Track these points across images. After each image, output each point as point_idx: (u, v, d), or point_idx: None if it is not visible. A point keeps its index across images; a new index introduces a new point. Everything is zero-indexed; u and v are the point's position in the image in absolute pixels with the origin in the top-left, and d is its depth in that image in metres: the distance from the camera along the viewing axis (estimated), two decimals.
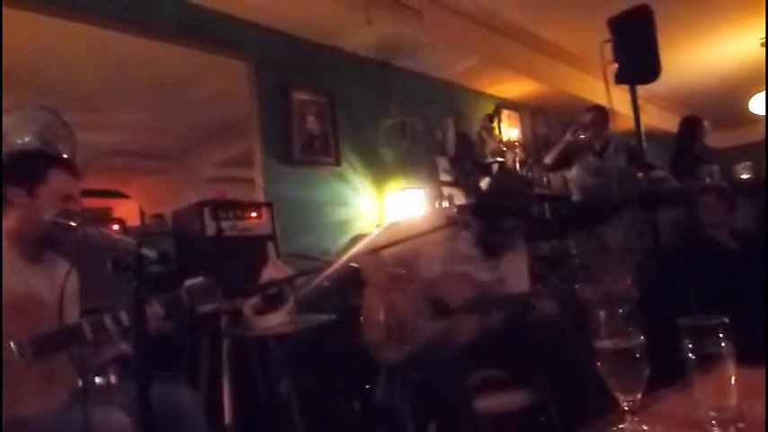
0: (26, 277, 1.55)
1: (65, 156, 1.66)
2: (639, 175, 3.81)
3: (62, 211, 1.51)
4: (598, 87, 4.89)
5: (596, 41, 3.83)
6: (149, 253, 1.13)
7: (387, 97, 4.31)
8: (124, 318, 1.51)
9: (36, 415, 1.38)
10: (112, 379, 1.75)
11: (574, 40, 5.03)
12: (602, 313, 0.94)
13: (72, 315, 1.62)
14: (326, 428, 2.34)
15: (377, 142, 4.23)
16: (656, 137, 5.71)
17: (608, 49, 3.61)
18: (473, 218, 2.40)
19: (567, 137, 4.29)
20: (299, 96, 3.76)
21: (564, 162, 4.34)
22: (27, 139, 2.03)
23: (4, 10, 2.53)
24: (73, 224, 1.45)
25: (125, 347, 1.67)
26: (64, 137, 2.15)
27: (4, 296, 1.43)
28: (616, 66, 3.59)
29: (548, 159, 4.45)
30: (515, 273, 2.36)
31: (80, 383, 1.46)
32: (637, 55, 3.45)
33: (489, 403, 2.01)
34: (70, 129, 2.21)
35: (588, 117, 4.22)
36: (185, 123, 4.04)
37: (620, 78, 3.63)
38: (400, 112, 4.32)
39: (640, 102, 3.81)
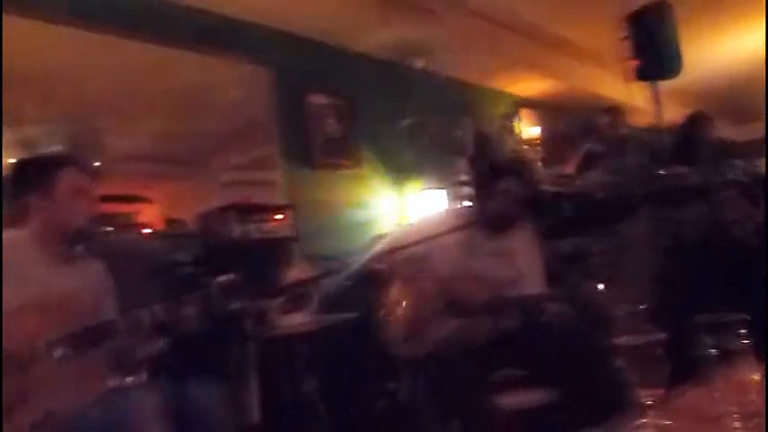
0: (58, 277, 1.62)
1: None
2: (660, 171, 3.78)
3: (95, 216, 1.57)
4: (618, 84, 4.88)
5: (615, 38, 3.82)
6: (184, 256, 1.18)
7: (405, 98, 4.34)
8: (159, 313, 1.55)
9: (69, 410, 1.44)
10: (144, 377, 1.81)
11: (592, 38, 5.00)
12: (621, 310, 0.96)
13: (109, 312, 1.67)
14: (352, 426, 2.38)
15: (396, 144, 4.26)
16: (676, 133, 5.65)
17: (627, 45, 3.61)
18: (475, 192, 2.41)
19: (586, 147, 4.29)
20: (318, 100, 3.81)
21: (586, 166, 4.32)
22: (57, 149, 2.10)
23: (30, 23, 2.63)
24: (109, 229, 1.51)
25: (159, 345, 1.72)
26: (92, 144, 2.21)
27: (38, 296, 1.50)
28: (636, 62, 3.58)
29: (570, 168, 4.45)
30: (530, 267, 2.36)
31: (114, 380, 1.51)
32: (656, 51, 3.44)
33: (510, 400, 2.03)
34: (99, 136, 2.28)
35: (605, 119, 4.20)
36: (206, 129, 4.12)
37: (640, 75, 3.62)
38: (418, 113, 4.34)
39: (660, 98, 3.79)
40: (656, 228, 3.68)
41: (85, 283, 1.67)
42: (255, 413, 2.01)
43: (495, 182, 2.28)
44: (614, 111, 4.24)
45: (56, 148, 2.10)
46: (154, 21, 3.10)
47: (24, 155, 2.12)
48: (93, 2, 2.88)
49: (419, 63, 4.49)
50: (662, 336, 0.94)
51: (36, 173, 1.69)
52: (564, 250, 3.39)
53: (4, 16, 2.51)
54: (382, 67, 4.30)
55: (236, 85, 3.58)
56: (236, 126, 4.08)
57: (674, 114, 6.25)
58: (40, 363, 1.43)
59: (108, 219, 1.63)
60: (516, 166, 2.36)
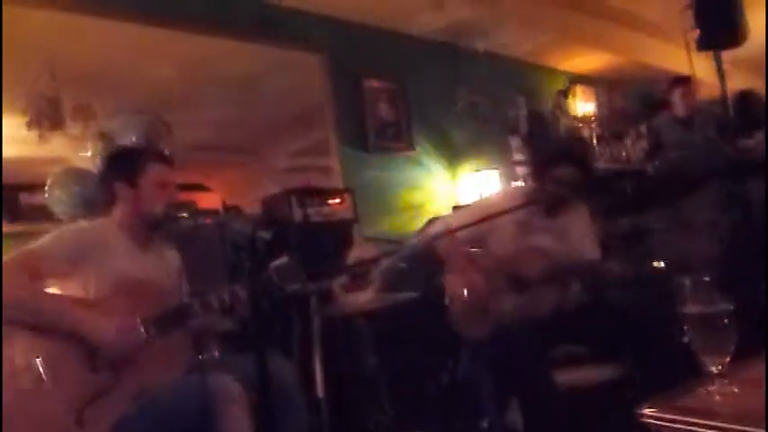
0: (139, 263, 1.74)
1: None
2: (727, 145, 3.65)
3: (172, 203, 1.68)
4: (678, 56, 4.69)
5: (675, 8, 3.68)
6: (264, 234, 1.25)
7: (457, 79, 4.33)
8: (226, 297, 1.66)
9: (160, 384, 1.56)
10: (216, 353, 1.93)
11: (650, 8, 4.83)
12: (688, 281, 0.97)
13: (182, 296, 1.79)
14: (412, 403, 2.45)
15: (449, 125, 4.26)
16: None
17: (687, 15, 3.47)
18: (532, 177, 2.42)
19: (654, 121, 4.17)
20: (371, 84, 3.85)
21: (657, 144, 4.19)
22: (134, 140, 2.24)
23: (95, 20, 2.78)
24: (184, 215, 1.61)
25: (228, 324, 1.83)
26: (164, 135, 2.34)
27: (120, 279, 1.62)
28: (697, 32, 3.45)
29: (629, 145, 4.34)
30: (583, 241, 2.36)
31: (197, 356, 1.62)
32: (719, 19, 3.30)
33: (571, 378, 2.05)
34: (169, 127, 2.41)
35: (677, 91, 4.03)
36: (262, 117, 4.24)
37: (702, 45, 3.48)
38: (471, 93, 4.33)
39: (726, 67, 3.63)
40: (721, 203, 3.56)
41: (161, 268, 1.79)
42: (320, 388, 2.11)
43: (551, 168, 2.29)
44: (686, 82, 4.05)
45: (131, 140, 2.24)
46: (211, 13, 3.20)
47: (103, 147, 2.27)
48: None
49: (471, 44, 4.46)
50: (729, 306, 0.94)
51: (124, 163, 1.81)
52: (623, 228, 3.34)
53: (70, 15, 2.67)
54: (434, 49, 4.30)
55: (291, 72, 3.67)
56: (291, 113, 4.18)
57: (738, 86, 5.98)
58: (132, 342, 1.55)
59: (189, 205, 1.74)
60: (572, 153, 2.34)
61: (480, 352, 2.27)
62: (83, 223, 1.80)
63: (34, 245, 1.62)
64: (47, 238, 1.64)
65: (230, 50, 3.38)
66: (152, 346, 1.58)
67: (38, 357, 1.47)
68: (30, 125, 2.86)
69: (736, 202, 3.35)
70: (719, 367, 0.95)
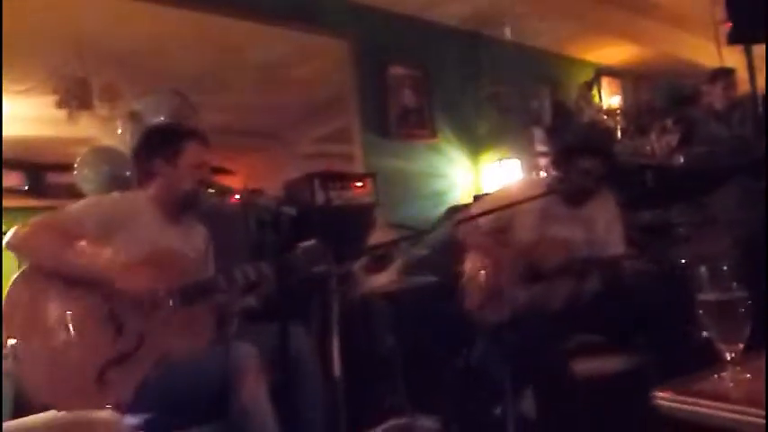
0: (168, 236, 1.81)
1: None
2: (756, 143, 3.59)
3: (202, 179, 1.73)
4: (707, 49, 4.62)
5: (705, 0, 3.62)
6: (288, 210, 1.29)
7: (481, 68, 4.31)
8: (251, 273, 1.71)
9: (181, 352, 1.61)
10: (236, 327, 1.98)
11: (680, 0, 4.74)
12: (703, 268, 0.98)
13: (208, 270, 1.85)
14: (426, 386, 2.48)
15: (472, 114, 4.26)
16: None
17: (719, 8, 3.42)
18: (553, 168, 2.41)
19: (687, 115, 4.10)
20: (396, 71, 3.86)
21: (689, 137, 4.13)
22: (162, 119, 2.29)
23: (124, 2, 2.83)
24: (212, 190, 1.66)
25: (251, 301, 1.88)
26: (191, 116, 2.39)
27: (149, 248, 1.68)
28: (729, 25, 3.39)
29: (654, 138, 4.28)
30: (609, 231, 2.36)
31: (219, 328, 1.67)
32: (752, 13, 3.23)
33: (587, 367, 2.06)
34: (195, 109, 2.46)
35: (717, 83, 3.94)
36: (286, 102, 4.27)
37: (733, 38, 3.42)
38: (495, 82, 4.31)
39: (756, 63, 3.56)
40: (746, 200, 3.52)
41: (190, 243, 1.84)
42: (337, 366, 2.15)
43: (574, 160, 2.29)
44: (728, 74, 3.97)
45: (159, 120, 2.29)
46: None
47: (133, 126, 2.33)
48: None
49: (496, 33, 4.43)
50: (745, 294, 0.95)
51: (165, 141, 1.87)
52: (645, 221, 3.32)
53: None
54: (459, 38, 4.29)
55: (316, 57, 3.69)
56: (316, 99, 4.21)
57: (762, 80, 5.85)
58: (158, 310, 1.62)
59: (217, 183, 1.79)
60: (595, 143, 2.34)
61: (495, 339, 2.29)
62: (116, 194, 1.86)
63: (69, 207, 1.69)
64: (81, 204, 1.72)
65: (257, 35, 3.42)
66: (176, 316, 1.64)
67: (69, 312, 1.54)
68: (59, 104, 2.93)
69: (759, 200, 3.30)
70: (733, 354, 0.96)
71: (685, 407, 0.90)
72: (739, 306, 0.95)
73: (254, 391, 1.55)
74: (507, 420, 2.28)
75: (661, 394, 0.93)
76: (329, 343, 2.19)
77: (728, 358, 0.96)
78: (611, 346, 2.10)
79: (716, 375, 0.96)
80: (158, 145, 1.86)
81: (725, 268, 0.98)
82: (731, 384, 0.93)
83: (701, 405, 0.88)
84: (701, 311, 0.97)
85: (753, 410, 0.83)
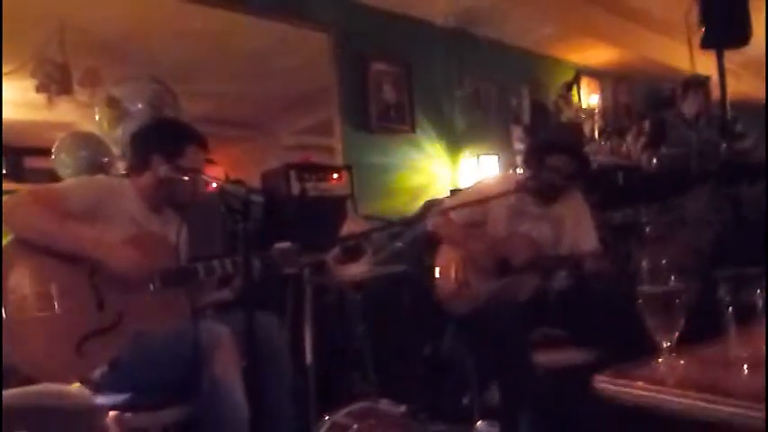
0: (150, 222, 1.85)
1: (198, 131, 1.91)
2: (723, 146, 3.69)
3: (175, 167, 1.76)
4: (685, 53, 4.72)
5: (681, 5, 3.70)
6: (257, 198, 1.33)
7: (462, 66, 4.37)
8: (228, 266, 1.76)
9: (154, 333, 1.66)
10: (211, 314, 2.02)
11: (658, 4, 4.84)
12: (644, 262, 1.04)
13: (183, 259, 1.89)
14: (396, 374, 2.54)
15: (452, 110, 4.32)
16: (749, 106, 5.42)
17: (693, 13, 3.51)
18: (525, 165, 2.47)
19: (660, 118, 4.20)
20: (377, 66, 3.90)
21: (660, 138, 4.23)
22: (140, 106, 2.31)
23: None
24: (185, 177, 1.70)
25: (225, 293, 1.93)
26: (170, 104, 2.41)
27: (133, 230, 1.73)
28: (702, 30, 3.48)
29: (630, 140, 4.38)
30: (577, 229, 2.43)
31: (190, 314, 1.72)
32: (724, 18, 3.32)
33: (550, 359, 2.13)
34: (175, 96, 2.48)
35: (689, 90, 4.06)
36: (268, 93, 4.29)
37: (706, 43, 3.51)
38: (475, 80, 4.37)
39: (734, 68, 3.66)
40: (715, 203, 3.62)
41: (169, 230, 1.88)
42: (308, 356, 2.20)
43: (546, 157, 2.34)
44: (702, 82, 4.08)
45: (138, 107, 2.31)
46: None
47: (110, 112, 2.34)
48: None
49: (478, 31, 4.49)
50: (681, 286, 1.02)
51: (167, 137, 1.89)
52: (615, 220, 3.40)
53: None
54: (441, 35, 4.33)
55: (299, 50, 3.71)
56: (298, 91, 4.24)
57: (748, 87, 5.99)
58: (139, 290, 1.67)
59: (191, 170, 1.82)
60: (566, 142, 2.41)
61: (463, 329, 2.36)
62: (103, 177, 1.89)
63: (57, 184, 1.72)
64: (68, 182, 1.75)
65: (240, 25, 3.43)
66: (154, 298, 1.69)
67: (52, 284, 1.57)
68: (38, 89, 2.92)
69: (729, 203, 3.41)
70: (668, 343, 1.02)
71: (622, 389, 0.96)
72: (675, 297, 1.01)
73: (226, 366, 1.60)
74: (474, 410, 2.35)
75: (600, 378, 0.99)
76: (302, 331, 2.24)
77: (664, 346, 1.03)
78: (574, 339, 2.17)
79: (650, 363, 1.03)
80: (159, 140, 1.88)
81: (663, 262, 1.04)
82: (664, 369, 1.00)
83: (636, 387, 0.95)
84: (640, 302, 1.03)
85: (682, 392, 0.89)
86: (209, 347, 1.58)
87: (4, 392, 0.92)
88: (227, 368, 1.60)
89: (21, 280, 1.57)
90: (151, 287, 1.69)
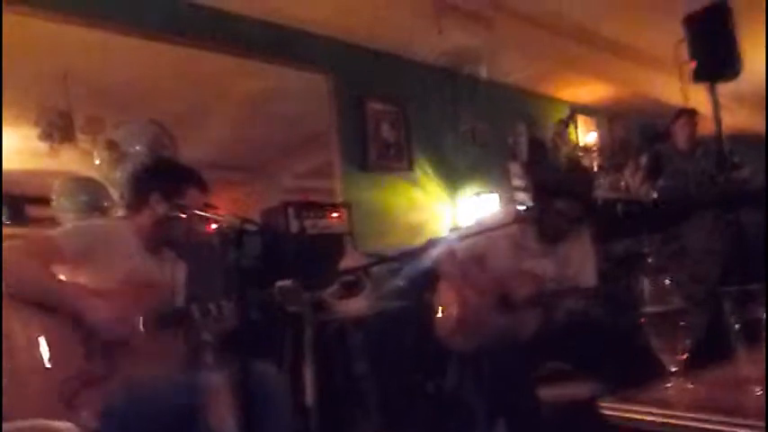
0: (146, 264, 1.82)
1: (198, 173, 1.91)
2: (720, 176, 3.71)
3: (173, 206, 1.76)
4: (676, 88, 4.79)
5: (671, 41, 3.78)
6: (251, 227, 1.32)
7: (459, 104, 4.43)
8: (225, 306, 1.73)
9: (150, 378, 1.61)
10: (210, 357, 1.98)
11: (648, 41, 4.94)
12: (646, 281, 1.02)
13: (181, 299, 1.86)
14: (399, 412, 2.48)
15: (449, 148, 4.35)
16: (746, 139, 5.46)
17: (684, 48, 3.57)
18: (533, 204, 2.45)
19: (655, 151, 4.26)
20: (374, 106, 3.96)
21: (656, 171, 4.27)
22: (138, 148, 2.33)
23: (108, 36, 2.90)
24: (183, 215, 1.69)
25: (223, 331, 1.89)
26: (168, 146, 2.43)
27: (127, 277, 1.70)
28: (693, 64, 3.54)
29: (629, 174, 4.43)
30: (581, 268, 2.39)
31: (190, 357, 1.68)
32: (714, 51, 3.39)
33: (556, 393, 2.07)
34: (173, 138, 2.50)
35: (680, 122, 4.14)
36: (267, 137, 4.33)
37: (698, 77, 3.56)
38: (471, 118, 4.43)
39: (727, 102, 3.71)
40: (717, 232, 3.61)
41: (166, 273, 1.86)
42: (310, 395, 2.14)
43: (552, 200, 2.29)
44: (689, 114, 4.16)
45: (136, 149, 2.33)
46: (219, 32, 3.32)
47: (108, 155, 2.36)
48: (162, 15, 3.12)
49: (473, 70, 4.57)
50: (683, 305, 0.99)
51: (167, 178, 1.89)
52: (617, 252, 3.39)
53: (84, 29, 2.79)
54: (436, 74, 4.41)
55: (297, 93, 3.77)
56: (297, 133, 4.27)
57: (742, 120, 6.05)
58: (130, 338, 1.63)
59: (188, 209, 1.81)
60: (575, 186, 2.37)
61: (467, 367, 2.31)
62: (98, 220, 1.88)
63: (51, 232, 1.71)
64: (62, 228, 1.73)
65: (239, 70, 3.49)
66: (148, 343, 1.65)
67: (40, 336, 1.54)
68: (41, 137, 2.95)
69: (731, 230, 3.40)
70: (675, 367, 0.99)
71: (627, 414, 0.93)
72: (679, 318, 0.99)
73: (221, 415, 1.55)
74: None
75: (605, 404, 0.96)
76: (302, 371, 2.19)
77: (672, 370, 1.00)
78: (580, 373, 2.12)
79: (659, 387, 0.99)
80: (159, 179, 1.88)
81: (667, 282, 1.02)
82: (672, 393, 0.96)
83: (641, 412, 0.91)
84: (643, 322, 1.00)
85: (690, 415, 0.86)
86: (206, 396, 1.54)
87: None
88: (223, 417, 1.56)
89: (10, 334, 1.54)
90: (143, 333, 1.64)
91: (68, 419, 1.48)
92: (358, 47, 3.94)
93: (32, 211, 3.60)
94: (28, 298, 1.58)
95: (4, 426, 0.93)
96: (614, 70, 5.27)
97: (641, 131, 5.94)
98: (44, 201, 2.76)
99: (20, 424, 0.93)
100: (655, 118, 5.39)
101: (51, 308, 1.58)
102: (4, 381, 1.46)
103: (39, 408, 1.47)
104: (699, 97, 4.21)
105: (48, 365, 1.53)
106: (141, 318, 1.65)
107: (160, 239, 1.88)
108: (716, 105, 3.62)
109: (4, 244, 1.70)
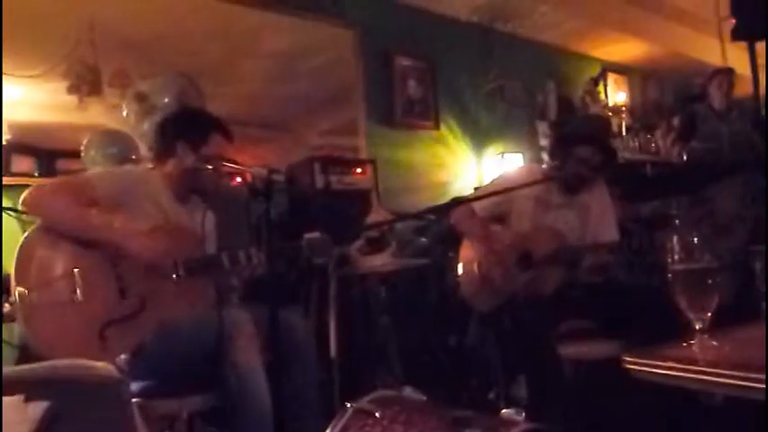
0: (176, 212, 1.87)
1: (222, 121, 1.92)
2: (756, 138, 3.61)
3: (217, 169, 1.79)
4: (714, 47, 4.61)
5: None
6: (279, 177, 1.34)
7: (487, 62, 4.34)
8: (254, 255, 1.77)
9: (179, 318, 1.68)
10: (236, 302, 2.03)
11: None
12: (675, 238, 1.01)
13: (210, 249, 1.91)
14: (421, 367, 2.53)
15: (477, 106, 4.29)
16: None
17: (724, 5, 3.42)
18: (550, 156, 2.45)
19: (690, 110, 4.14)
20: (402, 62, 3.90)
21: (690, 131, 4.17)
22: (166, 101, 2.34)
23: None
24: (209, 167, 1.72)
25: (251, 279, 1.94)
26: (196, 98, 2.44)
27: (159, 221, 1.76)
28: (732, 21, 3.39)
29: (660, 135, 4.32)
30: (601, 219, 2.40)
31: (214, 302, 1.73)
32: (755, 9, 3.24)
33: (577, 351, 2.09)
34: (201, 92, 2.51)
35: (713, 81, 4.01)
36: (294, 93, 4.32)
37: (736, 35, 3.42)
38: (500, 76, 4.34)
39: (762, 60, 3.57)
40: (747, 197, 3.54)
41: (195, 221, 1.90)
42: (333, 347, 2.20)
43: (572, 148, 2.34)
44: (725, 73, 4.02)
45: (164, 101, 2.34)
46: None
47: (138, 107, 2.38)
48: None
49: (503, 26, 4.45)
50: (715, 265, 0.99)
51: (192, 126, 1.91)
52: (644, 213, 3.35)
53: None
54: (466, 30, 4.31)
55: (325, 48, 3.73)
56: (324, 90, 4.25)
57: None
58: (162, 279, 1.69)
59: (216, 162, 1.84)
60: (592, 135, 2.39)
61: (488, 324, 2.33)
62: (130, 167, 1.91)
63: (85, 174, 1.75)
64: (96, 172, 1.77)
65: (267, 24, 3.46)
66: (178, 285, 1.70)
67: (76, 271, 1.60)
68: (69, 90, 2.98)
69: (761, 196, 3.33)
70: (701, 324, 0.99)
71: (649, 369, 0.94)
72: (708, 276, 0.99)
73: (248, 354, 1.60)
74: (500, 405, 2.32)
75: (628, 358, 0.97)
76: (327, 324, 2.24)
77: (697, 327, 1.00)
78: (600, 332, 2.14)
79: (684, 343, 1.00)
80: (185, 128, 1.90)
81: (695, 240, 1.02)
82: (699, 350, 0.97)
83: (663, 367, 0.92)
84: (671, 279, 1.00)
85: (713, 370, 0.86)
86: (232, 335, 1.58)
87: (33, 365, 0.94)
88: (249, 355, 1.61)
89: (44, 266, 1.60)
90: (174, 276, 1.70)
91: (102, 357, 1.55)
92: (387, 0, 3.86)
93: (63, 164, 3.68)
94: (65, 230, 1.64)
95: (51, 363, 0.98)
96: (651, 27, 5.09)
97: (675, 91, 5.76)
98: (74, 154, 2.82)
99: (58, 362, 0.98)
100: (690, 77, 5.22)
101: (87, 243, 1.64)
102: (35, 313, 1.53)
103: (75, 342, 1.55)
104: (737, 57, 4.06)
105: (81, 298, 1.60)
106: (177, 260, 1.71)
107: (188, 188, 1.91)
108: (754, 65, 3.49)
109: (38, 185, 1.74)
